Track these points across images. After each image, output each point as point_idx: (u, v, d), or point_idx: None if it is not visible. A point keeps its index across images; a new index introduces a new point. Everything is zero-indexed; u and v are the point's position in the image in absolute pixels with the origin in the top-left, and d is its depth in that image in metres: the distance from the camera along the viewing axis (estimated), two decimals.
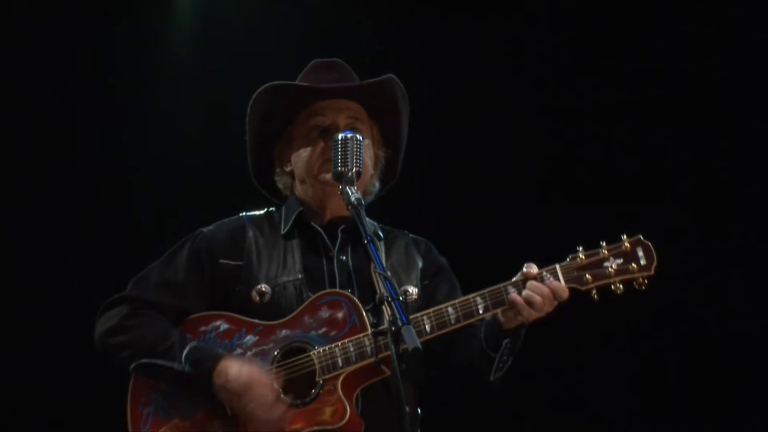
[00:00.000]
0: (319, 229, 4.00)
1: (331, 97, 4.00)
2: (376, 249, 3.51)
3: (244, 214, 4.12)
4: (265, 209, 4.16)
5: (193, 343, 3.81)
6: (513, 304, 3.71)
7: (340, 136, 3.66)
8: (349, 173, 3.63)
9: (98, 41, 6.62)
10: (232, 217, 4.12)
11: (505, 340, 3.79)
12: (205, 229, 4.06)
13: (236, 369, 3.71)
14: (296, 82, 4.05)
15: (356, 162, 3.63)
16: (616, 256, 3.76)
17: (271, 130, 4.08)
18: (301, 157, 4.01)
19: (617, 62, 6.57)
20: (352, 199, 3.57)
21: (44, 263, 6.48)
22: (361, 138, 3.68)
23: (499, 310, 3.74)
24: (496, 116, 6.51)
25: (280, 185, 4.12)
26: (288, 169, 4.08)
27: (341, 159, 3.63)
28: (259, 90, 4.05)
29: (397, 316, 3.32)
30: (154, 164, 6.59)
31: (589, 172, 6.53)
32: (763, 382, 6.50)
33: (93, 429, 5.73)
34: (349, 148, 3.63)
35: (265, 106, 4.04)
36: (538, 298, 3.70)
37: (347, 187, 3.61)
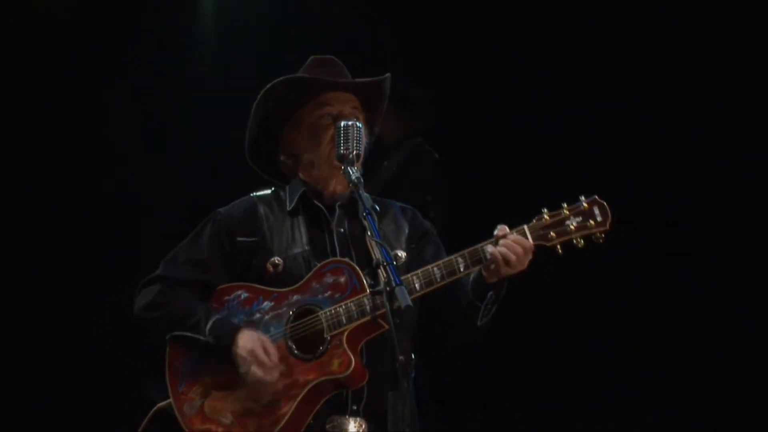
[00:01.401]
0: (321, 206, 4.46)
1: (339, 89, 4.45)
2: (374, 220, 3.94)
3: (253, 194, 4.56)
4: (272, 189, 4.57)
5: (216, 317, 4.28)
6: (494, 259, 4.18)
7: (342, 123, 4.14)
8: (350, 155, 4.10)
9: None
10: (243, 198, 4.56)
11: (490, 292, 4.28)
12: (222, 210, 4.50)
13: (243, 339, 4.22)
14: (309, 75, 4.46)
15: (356, 145, 4.11)
16: (575, 215, 4.21)
17: (278, 118, 4.50)
18: (310, 142, 4.44)
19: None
20: (353, 177, 4.05)
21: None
22: (360, 125, 4.16)
23: (478, 267, 4.21)
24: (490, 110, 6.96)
25: (286, 167, 4.56)
26: (294, 152, 4.52)
27: (343, 143, 4.11)
28: (274, 81, 4.44)
29: (391, 278, 3.76)
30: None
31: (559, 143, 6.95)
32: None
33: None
34: (350, 134, 4.11)
35: (277, 95, 4.44)
36: (512, 257, 4.19)
37: (348, 168, 4.08)
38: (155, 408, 4.40)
